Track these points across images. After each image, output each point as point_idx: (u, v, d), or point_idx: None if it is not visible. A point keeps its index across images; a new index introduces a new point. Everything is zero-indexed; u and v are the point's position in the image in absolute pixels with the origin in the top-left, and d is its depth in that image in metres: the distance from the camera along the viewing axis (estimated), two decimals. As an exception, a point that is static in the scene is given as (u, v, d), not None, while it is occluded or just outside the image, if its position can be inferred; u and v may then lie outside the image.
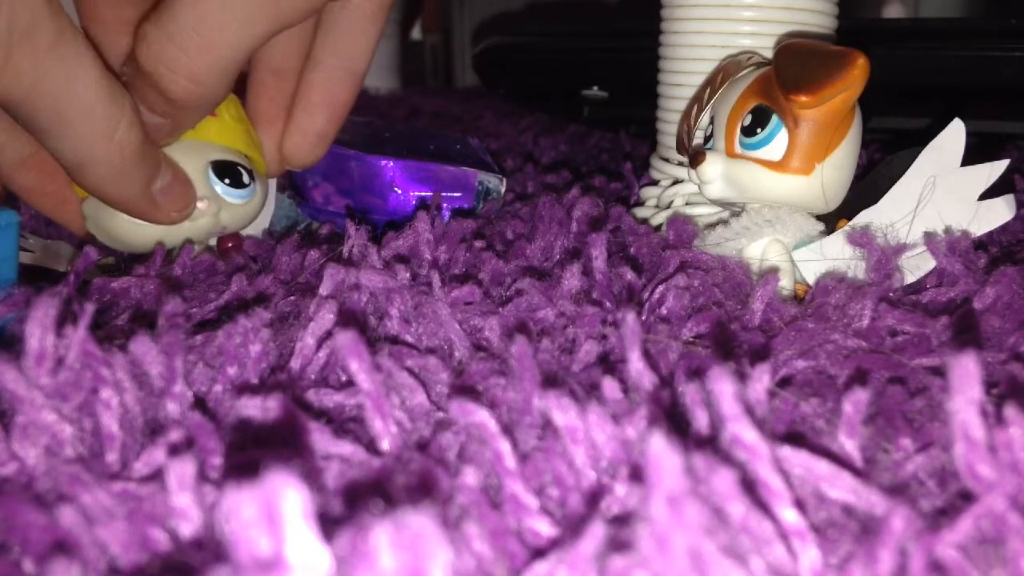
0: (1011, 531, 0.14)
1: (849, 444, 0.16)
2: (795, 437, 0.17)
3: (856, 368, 0.20)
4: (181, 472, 0.15)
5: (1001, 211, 0.26)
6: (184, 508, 0.15)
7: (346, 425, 0.18)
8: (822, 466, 0.15)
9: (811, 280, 0.26)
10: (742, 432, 0.14)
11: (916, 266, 0.26)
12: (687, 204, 0.32)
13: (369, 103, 0.90)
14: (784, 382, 0.20)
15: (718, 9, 0.32)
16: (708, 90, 0.29)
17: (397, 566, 0.10)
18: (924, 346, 0.21)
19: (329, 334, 0.21)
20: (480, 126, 0.68)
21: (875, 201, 0.27)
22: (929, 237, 0.25)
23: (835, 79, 0.24)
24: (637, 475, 0.15)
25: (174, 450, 0.16)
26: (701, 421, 0.17)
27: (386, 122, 0.41)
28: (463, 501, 0.15)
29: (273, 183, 0.32)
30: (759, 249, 0.27)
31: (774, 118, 0.26)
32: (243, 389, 0.19)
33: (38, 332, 0.17)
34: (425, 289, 0.23)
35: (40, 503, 0.15)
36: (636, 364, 0.18)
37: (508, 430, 0.16)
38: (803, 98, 0.25)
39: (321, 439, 0.17)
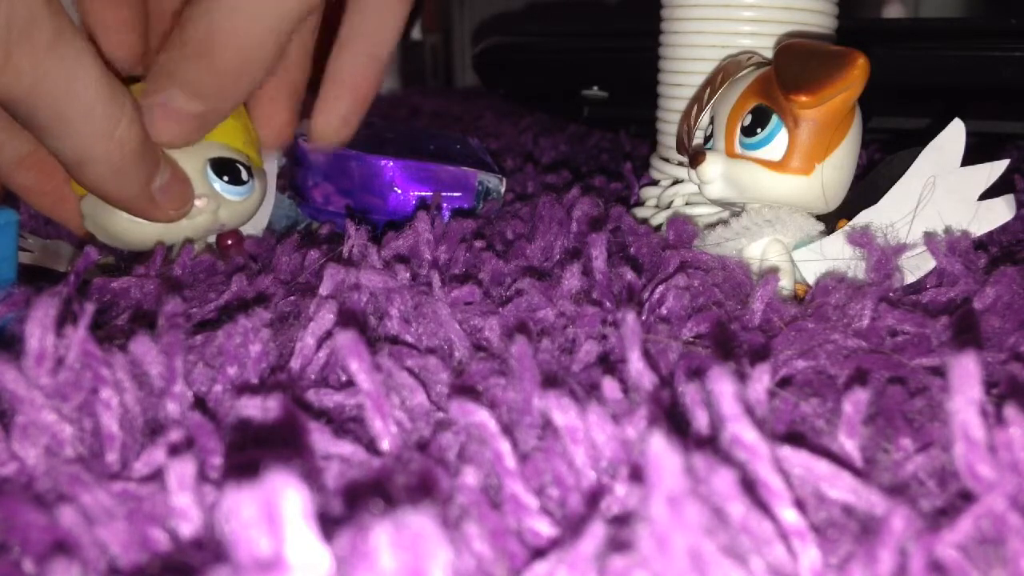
0: (1011, 531, 0.14)
1: (849, 444, 0.16)
2: (795, 437, 0.17)
3: (856, 368, 0.20)
4: (181, 472, 0.15)
5: (1001, 211, 0.26)
6: (184, 508, 0.15)
7: (346, 425, 0.18)
8: (822, 466, 0.15)
9: (811, 280, 0.26)
10: (742, 432, 0.14)
11: (916, 266, 0.26)
12: (687, 204, 0.32)
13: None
14: (784, 382, 0.20)
15: (718, 9, 0.32)
16: (708, 90, 0.29)
17: (397, 566, 0.10)
18: (924, 346, 0.21)
19: (329, 334, 0.21)
20: (480, 126, 0.68)
21: (875, 201, 0.27)
22: (929, 237, 0.25)
23: (835, 79, 0.24)
24: (637, 475, 0.15)
25: (174, 450, 0.16)
26: (701, 421, 0.17)
27: (386, 122, 0.41)
28: (463, 501, 0.15)
29: (273, 182, 0.32)
30: (759, 249, 0.27)
31: (774, 118, 0.26)
32: (243, 389, 0.19)
33: (38, 332, 0.17)
34: (425, 289, 0.23)
35: (40, 503, 0.15)
36: (636, 364, 0.18)
37: (508, 430, 0.16)
38: (803, 98, 0.25)
39: (321, 439, 0.17)
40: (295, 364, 0.20)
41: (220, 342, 0.20)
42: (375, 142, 0.35)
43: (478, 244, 0.29)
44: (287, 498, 0.10)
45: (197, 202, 0.28)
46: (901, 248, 0.25)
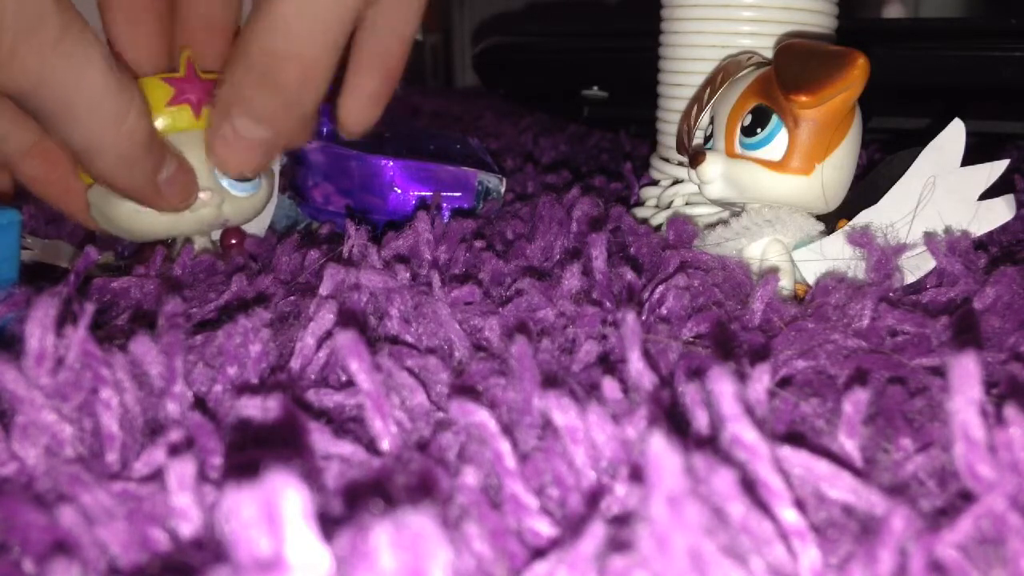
0: (1011, 531, 0.14)
1: (849, 444, 0.16)
2: (795, 437, 0.17)
3: (856, 368, 0.20)
4: (181, 472, 0.15)
5: (1001, 211, 0.26)
6: (184, 508, 0.15)
7: (346, 425, 0.18)
8: (822, 466, 0.15)
9: (811, 280, 0.26)
10: (742, 432, 0.14)
11: (916, 266, 0.26)
12: (687, 204, 0.32)
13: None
14: (784, 382, 0.20)
15: (718, 9, 0.32)
16: (708, 90, 0.29)
17: (397, 566, 0.10)
18: (924, 346, 0.21)
19: (329, 334, 0.21)
20: (480, 126, 0.68)
21: (875, 201, 0.27)
22: (929, 237, 0.25)
23: (835, 79, 0.24)
24: (637, 475, 0.15)
25: (174, 450, 0.16)
26: (701, 421, 0.17)
27: (386, 122, 0.41)
28: (463, 501, 0.15)
29: (275, 182, 0.32)
30: (759, 249, 0.27)
31: (774, 118, 0.26)
32: (243, 389, 0.19)
33: (38, 332, 0.17)
34: (425, 289, 0.23)
35: (40, 503, 0.15)
36: (636, 364, 0.18)
37: (508, 430, 0.16)
38: (803, 98, 0.25)
39: (321, 439, 0.17)
40: (295, 364, 0.20)
41: (220, 342, 0.20)
42: (375, 142, 0.35)
43: (478, 244, 0.29)
44: (287, 498, 0.10)
45: (202, 195, 0.28)
46: (901, 248, 0.25)
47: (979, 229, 0.26)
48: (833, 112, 0.25)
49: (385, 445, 0.17)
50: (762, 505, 0.14)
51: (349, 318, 0.22)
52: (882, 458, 0.17)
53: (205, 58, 0.29)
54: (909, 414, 0.18)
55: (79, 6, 0.25)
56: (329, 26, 0.26)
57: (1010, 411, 0.15)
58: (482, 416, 0.16)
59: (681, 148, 0.31)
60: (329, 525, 0.11)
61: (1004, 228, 0.28)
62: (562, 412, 0.16)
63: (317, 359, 0.20)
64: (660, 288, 0.24)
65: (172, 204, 0.28)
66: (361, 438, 0.18)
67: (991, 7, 0.97)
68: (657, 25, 0.35)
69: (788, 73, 0.25)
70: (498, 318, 0.22)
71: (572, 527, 0.15)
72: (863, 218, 0.26)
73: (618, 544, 0.12)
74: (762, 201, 0.27)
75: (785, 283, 0.26)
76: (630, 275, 0.25)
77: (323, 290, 0.23)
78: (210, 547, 0.14)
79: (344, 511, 0.15)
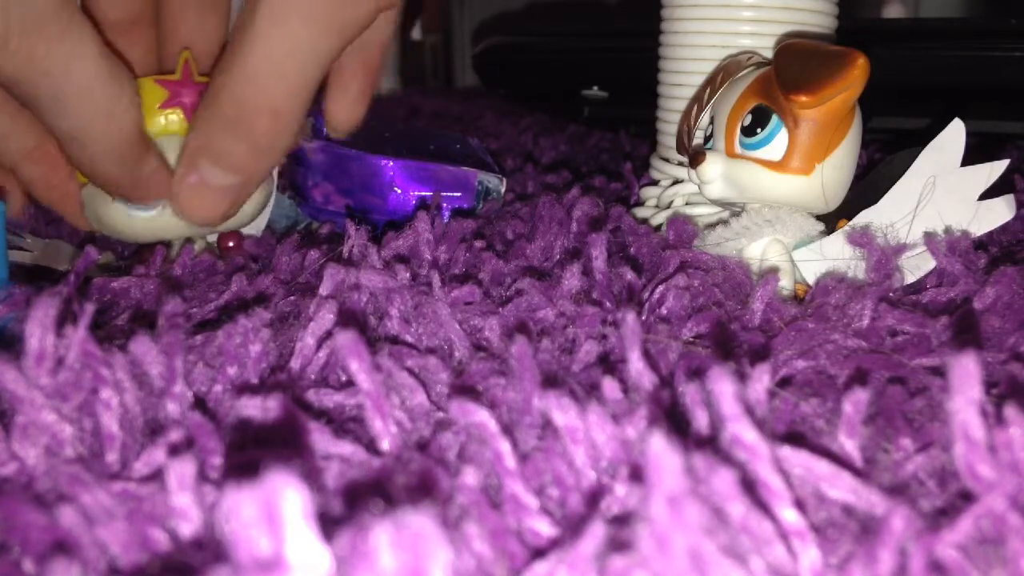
0: (1011, 531, 0.14)
1: (849, 444, 0.16)
2: (795, 437, 0.17)
3: (856, 368, 0.20)
4: (181, 472, 0.15)
5: (1001, 211, 0.26)
6: (184, 508, 0.15)
7: (346, 425, 0.18)
8: (822, 466, 0.15)
9: (811, 280, 0.26)
10: (742, 432, 0.14)
11: (916, 266, 0.26)
12: (687, 204, 0.32)
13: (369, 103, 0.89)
14: (784, 382, 0.20)
15: (718, 9, 0.32)
16: (708, 90, 0.29)
17: (397, 566, 0.10)
18: (924, 346, 0.21)
19: (329, 334, 0.21)
20: (480, 126, 0.68)
21: (875, 201, 0.27)
22: (929, 237, 0.25)
23: (835, 79, 0.24)
24: (637, 475, 0.15)
25: (174, 450, 0.16)
26: (701, 421, 0.17)
27: (386, 122, 0.41)
28: (463, 501, 0.15)
29: (273, 184, 0.32)
30: (759, 249, 0.27)
31: (774, 118, 0.26)
32: (243, 389, 0.19)
33: (38, 332, 0.17)
34: (425, 289, 0.23)
35: (40, 503, 0.15)
36: (636, 364, 0.18)
37: (508, 430, 0.16)
38: (803, 98, 0.25)
39: (321, 439, 0.17)
40: (295, 364, 0.20)
41: (220, 342, 0.20)
42: (375, 142, 0.35)
43: (478, 244, 0.29)
44: (287, 498, 0.10)
45: None
46: (901, 248, 0.25)
47: (979, 229, 0.26)
48: (833, 112, 0.25)
49: (385, 445, 0.17)
50: (762, 505, 0.14)
51: (349, 318, 0.22)
52: (882, 458, 0.17)
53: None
54: (909, 414, 0.18)
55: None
56: (302, 79, 0.26)
57: (1010, 411, 0.15)
58: (482, 416, 0.16)
59: (681, 148, 0.31)
60: (329, 525, 0.11)
61: (1004, 228, 0.28)
62: (562, 412, 0.16)
63: (317, 359, 0.20)
64: (660, 288, 0.24)
65: (148, 199, 0.28)
66: (361, 438, 0.18)
67: (991, 7, 0.97)
68: (657, 25, 0.35)
69: (788, 73, 0.25)
70: (498, 318, 0.22)
71: (572, 527, 0.15)
72: (863, 218, 0.26)
73: (618, 544, 0.12)
74: (762, 201, 0.27)
75: (785, 283, 0.26)
76: (630, 275, 0.25)
77: (323, 290, 0.23)
78: (210, 547, 0.14)
79: (344, 511, 0.15)
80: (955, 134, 0.26)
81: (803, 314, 0.23)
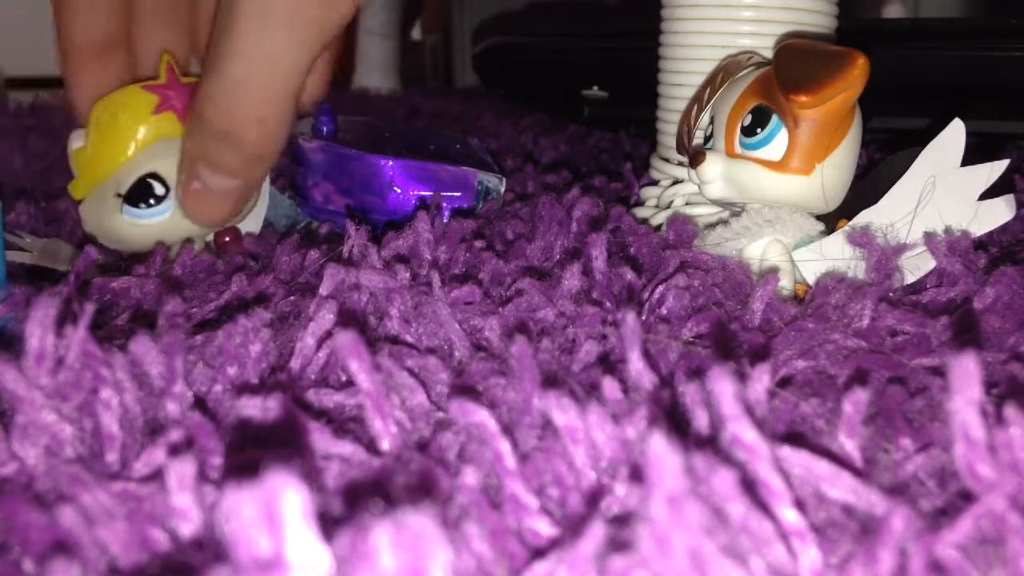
0: (1011, 531, 0.14)
1: (849, 444, 0.16)
2: (795, 437, 0.17)
3: (856, 368, 0.20)
4: (181, 472, 0.15)
5: (1001, 211, 0.26)
6: (184, 508, 0.15)
7: (346, 425, 0.18)
8: (822, 466, 0.15)
9: (811, 280, 0.26)
10: (742, 432, 0.14)
11: (916, 266, 0.26)
12: (687, 204, 0.32)
13: (369, 103, 0.90)
14: (784, 382, 0.20)
15: (718, 9, 0.32)
16: (708, 90, 0.29)
17: (397, 566, 0.10)
18: (924, 346, 0.21)
19: (329, 334, 0.21)
20: (480, 126, 0.68)
21: (875, 201, 0.27)
22: (929, 237, 0.25)
23: (835, 79, 0.24)
24: (637, 475, 0.15)
25: (174, 450, 0.16)
26: (701, 421, 0.17)
27: (386, 122, 0.41)
28: (463, 501, 0.15)
29: (266, 180, 0.32)
30: (759, 249, 0.27)
31: (774, 118, 0.26)
32: (243, 389, 0.19)
33: (38, 332, 0.17)
34: (425, 289, 0.23)
35: (40, 503, 0.15)
36: (636, 364, 0.18)
37: (508, 430, 0.16)
38: (803, 98, 0.25)
39: (321, 439, 0.17)
40: (295, 364, 0.20)
41: (220, 342, 0.20)
42: (375, 142, 0.35)
43: (478, 244, 0.29)
44: (287, 498, 0.10)
45: None
46: (901, 248, 0.25)
47: (979, 229, 0.26)
48: (833, 112, 0.25)
49: (385, 445, 0.17)
50: (762, 505, 0.14)
51: (349, 318, 0.22)
52: (882, 458, 0.17)
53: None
54: (909, 414, 0.18)
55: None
56: (286, 84, 0.26)
57: (1010, 411, 0.15)
58: (482, 416, 0.16)
59: (681, 148, 0.31)
60: (329, 525, 0.11)
61: (1004, 228, 0.28)
62: (562, 412, 0.16)
63: (317, 359, 0.20)
64: (660, 288, 0.24)
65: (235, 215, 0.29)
66: (361, 438, 0.18)
67: (991, 7, 0.97)
68: (657, 25, 0.35)
69: (788, 73, 0.25)
70: (498, 318, 0.22)
71: (572, 527, 0.15)
72: (863, 218, 0.26)
73: (618, 544, 0.12)
74: (762, 201, 0.27)
75: (785, 283, 0.26)
76: (630, 275, 0.25)
77: (323, 290, 0.23)
78: (210, 547, 0.14)
79: (344, 511, 0.15)
80: (955, 134, 0.26)
81: (803, 314, 0.23)
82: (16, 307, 0.22)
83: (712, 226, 0.28)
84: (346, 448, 0.17)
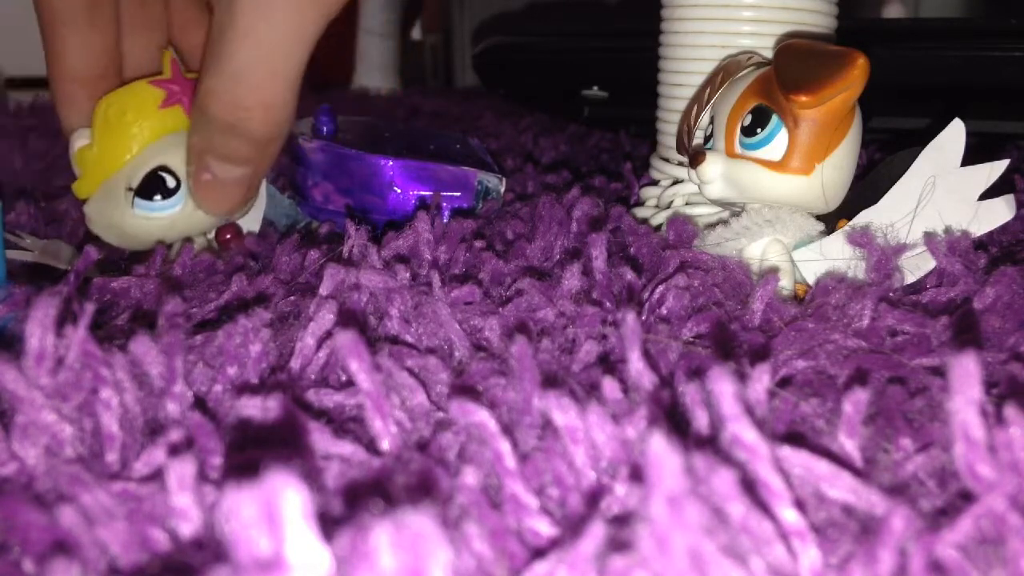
0: (1011, 531, 0.14)
1: (849, 444, 0.16)
2: (795, 437, 0.17)
3: (856, 368, 0.20)
4: (181, 472, 0.15)
5: (1001, 211, 0.26)
6: (184, 508, 0.15)
7: (346, 425, 0.18)
8: (822, 466, 0.15)
9: (811, 280, 0.26)
10: (742, 432, 0.14)
11: (916, 266, 0.26)
12: (687, 204, 0.32)
13: (369, 103, 0.90)
14: (784, 382, 0.20)
15: (718, 9, 0.32)
16: (708, 90, 0.29)
17: (397, 566, 0.10)
18: (924, 346, 0.21)
19: (329, 334, 0.21)
20: (480, 126, 0.68)
21: (875, 201, 0.27)
22: (929, 237, 0.25)
23: (835, 79, 0.24)
24: (637, 475, 0.15)
25: (174, 450, 0.16)
26: (701, 421, 0.17)
27: (386, 122, 0.41)
28: (463, 501, 0.15)
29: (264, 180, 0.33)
30: (759, 249, 0.27)
31: (774, 118, 0.26)
32: (243, 389, 0.19)
33: (38, 332, 0.17)
34: (425, 289, 0.23)
35: (40, 503, 0.15)
36: (636, 364, 0.18)
37: (508, 430, 0.16)
38: (803, 98, 0.25)
39: (321, 439, 0.17)
40: (295, 364, 0.20)
41: (220, 342, 0.20)
42: (375, 141, 0.35)
43: (478, 244, 0.29)
44: (287, 498, 0.10)
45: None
46: (901, 248, 0.25)
47: (979, 229, 0.26)
48: (833, 112, 0.25)
49: (385, 445, 0.17)
50: (762, 505, 0.14)
51: (349, 318, 0.22)
52: (882, 458, 0.17)
53: None
54: (909, 414, 0.18)
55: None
56: (290, 70, 0.26)
57: (1010, 411, 0.15)
58: (482, 416, 0.16)
59: (681, 148, 0.31)
60: (329, 525, 0.11)
61: (1004, 228, 0.28)
62: (562, 412, 0.16)
63: (317, 359, 0.20)
64: (660, 288, 0.24)
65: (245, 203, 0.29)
66: (361, 438, 0.18)
67: (991, 7, 0.97)
68: (657, 25, 0.35)
69: (788, 73, 0.25)
70: (498, 318, 0.22)
71: (572, 527, 0.15)
72: (863, 218, 0.26)
73: (618, 544, 0.12)
74: (762, 201, 0.27)
75: (785, 283, 0.26)
76: (630, 275, 0.25)
77: (323, 290, 0.23)
78: (210, 547, 0.14)
79: (344, 511, 0.15)
80: (955, 134, 0.26)
81: (803, 314, 0.23)
82: (16, 307, 0.22)
83: (712, 226, 0.28)
84: (346, 448, 0.17)
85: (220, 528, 0.12)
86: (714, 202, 0.29)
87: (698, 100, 0.30)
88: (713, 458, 0.13)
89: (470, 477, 0.15)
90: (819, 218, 0.27)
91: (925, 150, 0.26)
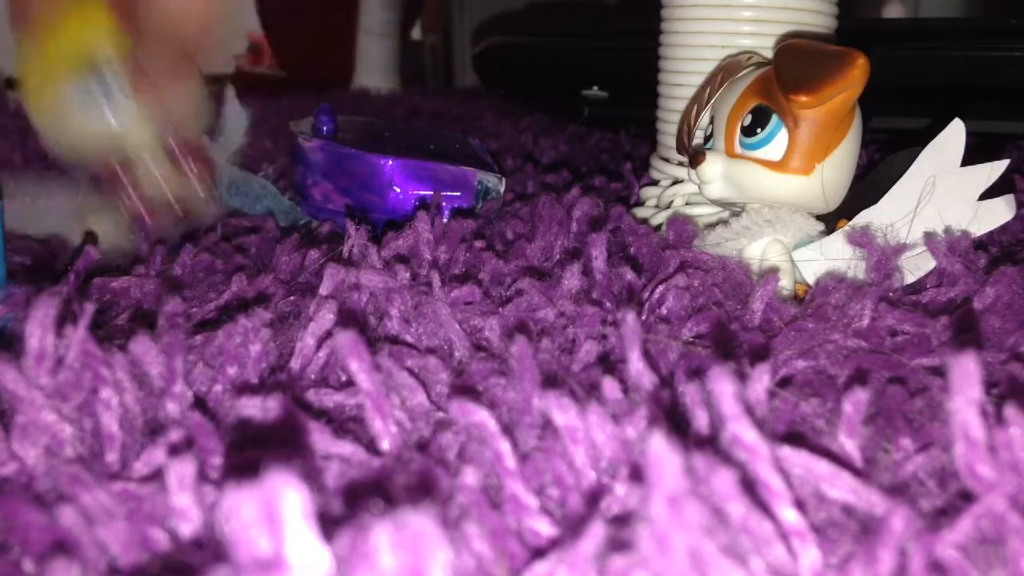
0: (1011, 531, 0.14)
1: (849, 444, 0.16)
2: (795, 437, 0.17)
3: (856, 368, 0.20)
4: (181, 472, 0.15)
5: (1001, 211, 0.26)
6: (184, 508, 0.15)
7: (346, 425, 0.18)
8: (822, 466, 0.15)
9: (811, 280, 0.26)
10: (742, 432, 0.14)
11: (916, 266, 0.26)
12: (687, 204, 0.32)
13: (369, 103, 0.90)
14: (784, 382, 0.20)
15: (718, 9, 0.32)
16: (708, 90, 0.29)
17: (397, 566, 0.10)
18: (924, 346, 0.21)
19: (329, 334, 0.21)
20: (480, 126, 0.68)
21: (875, 201, 0.27)
22: (929, 237, 0.25)
23: (835, 79, 0.24)
24: (637, 475, 0.15)
25: (174, 450, 0.16)
26: (701, 421, 0.17)
27: (386, 122, 0.41)
28: (463, 501, 0.15)
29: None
30: (759, 249, 0.27)
31: (774, 118, 0.26)
32: (243, 389, 0.19)
33: (38, 332, 0.17)
34: (425, 289, 0.23)
35: (40, 503, 0.15)
36: (636, 364, 0.18)
37: (508, 430, 0.16)
38: (803, 98, 0.25)
39: (321, 439, 0.17)
40: (295, 364, 0.20)
41: (220, 342, 0.20)
42: (375, 141, 0.35)
43: (478, 244, 0.29)
44: (287, 498, 0.10)
45: None
46: (901, 248, 0.25)
47: (979, 229, 0.26)
48: (833, 112, 0.25)
49: (385, 445, 0.17)
50: (762, 505, 0.14)
51: (349, 318, 0.22)
52: (882, 458, 0.17)
53: None
54: (909, 414, 0.18)
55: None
56: None
57: (1010, 411, 0.15)
58: (482, 416, 0.16)
59: (681, 148, 0.31)
60: (329, 525, 0.11)
61: (1004, 228, 0.28)
62: (562, 412, 0.16)
63: (317, 359, 0.20)
64: (660, 288, 0.24)
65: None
66: (361, 438, 0.18)
67: (991, 7, 0.97)
68: (657, 25, 0.35)
69: (788, 73, 0.25)
70: (498, 318, 0.22)
71: (572, 527, 0.15)
72: (863, 218, 0.26)
73: (618, 544, 0.12)
74: (762, 201, 0.27)
75: (785, 283, 0.26)
76: (630, 275, 0.25)
77: (323, 290, 0.23)
78: (210, 547, 0.14)
79: (344, 511, 0.15)
80: (955, 134, 0.26)
81: (803, 314, 0.23)
82: (16, 307, 0.22)
83: (712, 226, 0.28)
84: (346, 448, 0.17)
85: (220, 528, 0.12)
86: (714, 202, 0.29)
87: (698, 100, 0.30)
88: (713, 458, 0.13)
89: (470, 477, 0.15)
90: (819, 218, 0.27)
91: (925, 150, 0.26)
